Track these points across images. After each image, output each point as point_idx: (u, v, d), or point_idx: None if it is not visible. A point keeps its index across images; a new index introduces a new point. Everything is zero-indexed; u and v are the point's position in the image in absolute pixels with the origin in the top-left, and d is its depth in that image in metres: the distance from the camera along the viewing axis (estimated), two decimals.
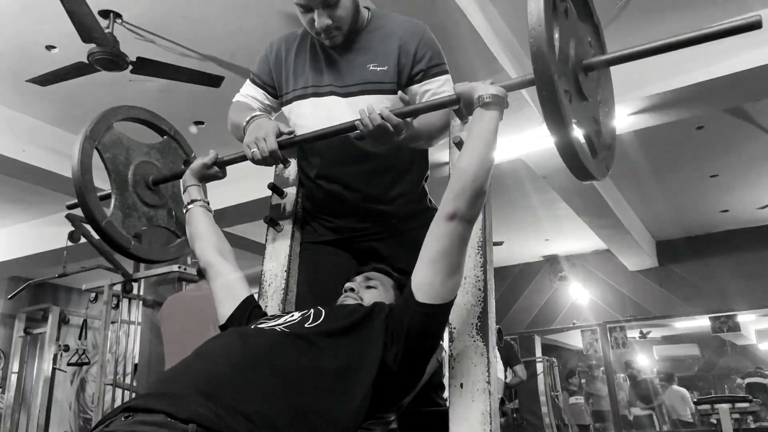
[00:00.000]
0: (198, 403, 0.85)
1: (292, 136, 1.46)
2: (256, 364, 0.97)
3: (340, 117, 1.46)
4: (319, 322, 1.13)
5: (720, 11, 3.67)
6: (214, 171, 1.55)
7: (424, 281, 1.12)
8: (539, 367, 8.52)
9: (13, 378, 7.95)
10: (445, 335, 1.38)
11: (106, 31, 3.38)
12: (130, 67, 3.56)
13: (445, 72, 1.56)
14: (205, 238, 1.45)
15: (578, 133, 1.12)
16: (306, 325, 1.12)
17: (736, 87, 3.83)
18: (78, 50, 3.47)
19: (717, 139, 5.24)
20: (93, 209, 1.47)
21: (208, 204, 1.53)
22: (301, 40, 1.63)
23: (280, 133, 1.44)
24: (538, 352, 8.93)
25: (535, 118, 4.07)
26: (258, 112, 1.56)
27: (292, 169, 1.80)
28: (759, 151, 5.48)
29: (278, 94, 1.66)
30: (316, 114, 1.55)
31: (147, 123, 1.77)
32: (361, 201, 1.58)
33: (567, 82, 1.10)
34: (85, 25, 3.11)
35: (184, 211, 1.52)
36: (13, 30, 3.66)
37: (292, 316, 1.18)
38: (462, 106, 1.25)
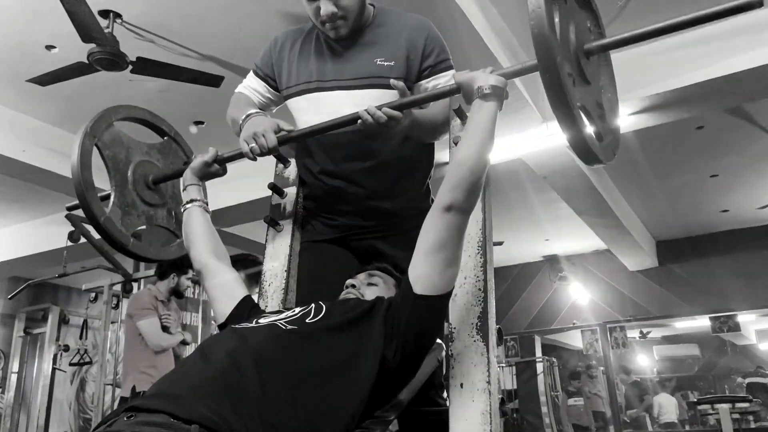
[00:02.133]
0: (200, 403, 0.85)
1: (290, 131, 1.47)
2: (258, 363, 0.96)
3: (344, 111, 1.45)
4: (320, 317, 1.13)
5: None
6: (215, 168, 1.54)
7: (422, 273, 1.12)
8: (539, 367, 8.51)
9: (13, 378, 7.95)
10: (445, 335, 1.38)
11: (106, 31, 3.38)
12: (130, 67, 3.55)
13: (452, 67, 1.57)
14: (200, 239, 1.44)
15: (583, 117, 1.14)
16: (307, 320, 1.12)
17: (736, 87, 3.83)
18: (78, 50, 3.47)
19: (717, 139, 5.24)
20: (92, 206, 1.47)
21: (207, 204, 1.53)
22: (307, 35, 1.63)
23: (279, 129, 1.45)
24: (538, 352, 8.92)
25: (535, 118, 4.08)
26: (255, 110, 1.55)
27: (292, 169, 1.80)
28: (759, 151, 5.48)
29: (279, 87, 1.67)
30: (320, 109, 1.55)
31: (147, 123, 1.77)
32: (365, 198, 1.58)
33: (569, 66, 1.11)
34: (85, 25, 3.11)
35: (182, 210, 1.52)
36: (13, 30, 3.66)
37: (293, 311, 1.18)
38: (462, 95, 1.27)
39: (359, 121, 1.33)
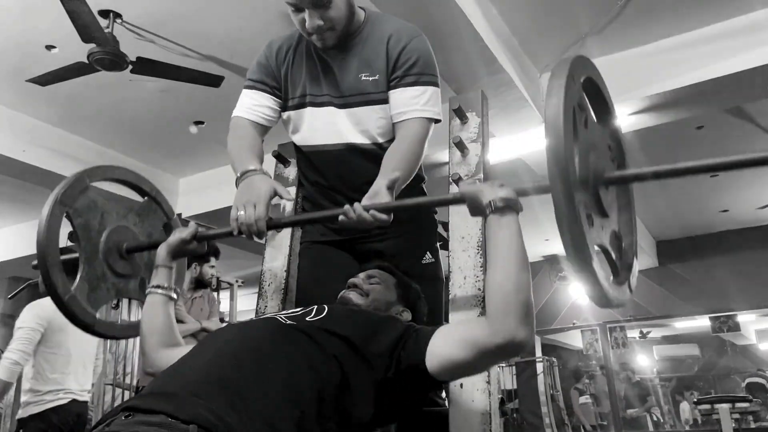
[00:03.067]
0: (199, 403, 0.84)
1: (282, 217, 1.38)
2: (255, 357, 0.96)
3: (337, 128, 1.45)
4: (321, 317, 1.13)
5: (721, 11, 3.68)
6: (193, 246, 1.38)
7: (443, 354, 1.02)
8: (539, 367, 8.51)
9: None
10: None
11: (106, 31, 3.38)
12: (130, 67, 3.56)
13: (430, 83, 1.46)
14: (156, 335, 1.29)
15: (598, 255, 0.99)
16: (307, 318, 1.11)
17: (736, 87, 3.83)
18: (78, 50, 3.47)
19: (717, 139, 5.24)
20: (56, 283, 1.34)
21: (175, 291, 1.37)
22: (297, 44, 1.57)
23: (274, 194, 1.34)
24: (538, 352, 8.91)
25: (535, 118, 4.07)
26: (253, 167, 1.41)
27: (292, 169, 1.80)
28: (759, 151, 5.48)
29: (284, 96, 1.58)
30: (314, 125, 1.54)
31: (128, 184, 1.65)
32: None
33: (587, 203, 0.98)
34: (85, 25, 3.11)
35: (147, 291, 1.37)
36: (13, 30, 3.66)
37: (294, 310, 1.18)
38: (467, 207, 1.16)
39: (340, 217, 1.23)
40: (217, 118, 4.64)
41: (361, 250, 1.63)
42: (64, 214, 1.40)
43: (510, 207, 1.07)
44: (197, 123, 4.82)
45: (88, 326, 1.41)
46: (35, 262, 1.38)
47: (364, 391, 1.00)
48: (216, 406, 0.84)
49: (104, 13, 3.47)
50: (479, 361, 1.01)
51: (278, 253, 1.68)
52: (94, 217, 1.48)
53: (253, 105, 1.55)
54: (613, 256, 1.07)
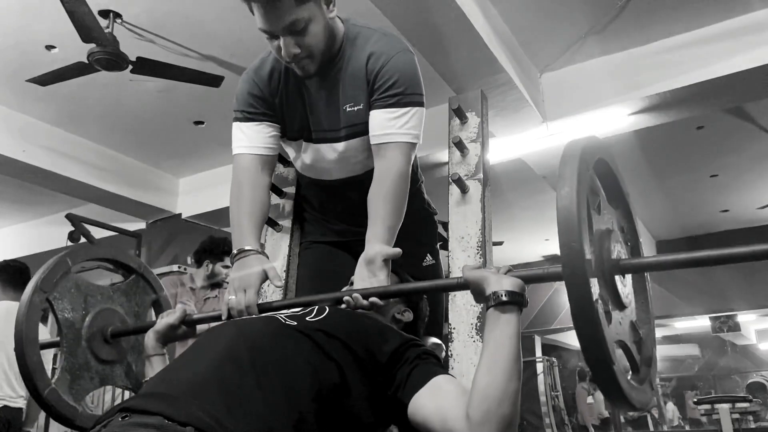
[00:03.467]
0: (196, 405, 0.84)
1: (273, 302, 1.36)
2: (254, 358, 0.95)
3: (332, 161, 1.44)
4: (321, 317, 1.12)
5: (720, 11, 3.67)
6: (182, 330, 1.34)
7: (422, 414, 0.97)
8: (539, 367, 8.51)
9: None
10: (445, 335, 1.38)
11: (106, 31, 3.38)
12: (130, 67, 3.55)
13: (411, 104, 1.37)
14: None
15: (617, 354, 0.90)
16: (307, 318, 1.11)
17: (736, 87, 3.83)
18: (78, 50, 3.47)
19: (717, 139, 5.24)
20: (34, 376, 1.30)
21: None
22: (286, 69, 1.44)
23: (265, 278, 1.33)
24: (538, 352, 8.93)
25: (535, 118, 4.07)
26: (249, 247, 1.37)
27: (291, 169, 1.80)
28: (759, 151, 5.48)
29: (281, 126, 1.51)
30: (310, 156, 1.52)
31: (113, 262, 1.61)
32: (359, 205, 1.51)
33: (604, 297, 0.91)
34: (85, 25, 3.11)
35: (143, 381, 1.33)
36: (13, 30, 3.66)
37: (294, 310, 1.17)
38: (470, 293, 1.10)
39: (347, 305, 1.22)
40: (217, 118, 4.64)
41: (358, 249, 1.63)
42: (47, 301, 1.36)
43: (514, 303, 0.98)
44: (197, 123, 4.82)
45: (68, 420, 1.34)
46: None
47: (362, 396, 1.00)
48: (213, 408, 0.84)
49: (104, 13, 3.47)
50: None
51: (278, 253, 1.68)
52: (77, 303, 1.43)
53: (253, 137, 1.47)
54: (633, 350, 1.00)
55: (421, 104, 1.39)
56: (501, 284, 0.99)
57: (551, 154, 4.57)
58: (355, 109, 1.40)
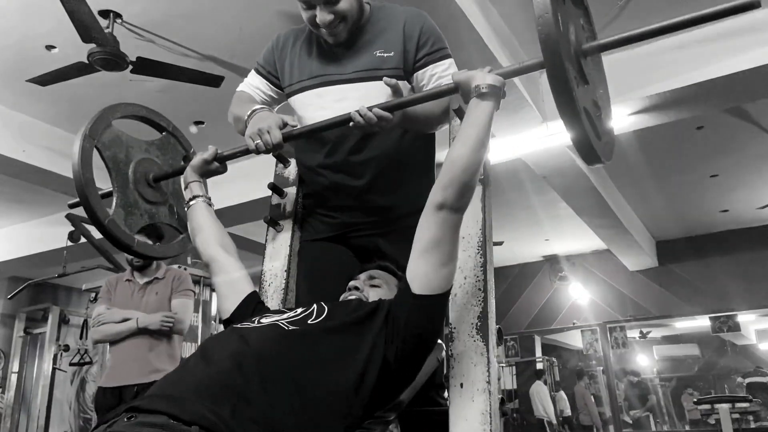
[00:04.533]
0: (201, 405, 0.84)
1: (295, 126, 1.47)
2: (259, 364, 0.96)
3: (346, 105, 1.45)
4: (321, 317, 1.13)
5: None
6: (215, 166, 1.54)
7: (419, 272, 1.12)
8: (539, 367, 8.52)
9: (13, 378, 7.96)
10: (445, 335, 1.38)
11: (106, 31, 3.38)
12: (130, 67, 3.56)
13: (448, 56, 1.57)
14: (207, 232, 1.45)
15: (585, 113, 1.14)
16: (309, 321, 1.11)
17: (736, 87, 3.83)
18: (78, 50, 3.47)
19: (717, 139, 5.24)
20: (95, 208, 1.46)
21: (210, 199, 1.53)
22: (309, 32, 1.63)
23: (283, 124, 1.45)
24: (538, 352, 8.93)
25: (535, 118, 4.08)
26: (259, 106, 1.55)
27: (292, 169, 1.80)
28: (759, 151, 5.48)
29: (282, 85, 1.67)
30: (323, 104, 1.55)
31: (145, 120, 1.77)
32: (363, 192, 1.57)
33: (572, 67, 1.12)
34: (85, 25, 3.11)
35: (186, 208, 1.52)
36: (13, 30, 3.66)
37: (295, 312, 1.18)
38: (460, 94, 1.27)
39: (350, 123, 1.34)
40: (217, 118, 4.63)
41: (360, 245, 1.63)
42: (94, 148, 1.51)
43: (492, 94, 1.18)
44: (197, 123, 4.82)
45: (128, 247, 1.53)
46: (70, 202, 1.56)
47: (373, 380, 1.03)
48: (218, 409, 0.84)
49: (104, 13, 3.47)
50: (435, 228, 1.14)
51: (278, 253, 1.69)
52: (120, 151, 1.60)
53: (252, 84, 1.71)
54: (594, 119, 1.22)
55: (451, 57, 1.59)
56: (484, 79, 1.19)
57: (551, 154, 4.58)
58: (385, 55, 1.54)
